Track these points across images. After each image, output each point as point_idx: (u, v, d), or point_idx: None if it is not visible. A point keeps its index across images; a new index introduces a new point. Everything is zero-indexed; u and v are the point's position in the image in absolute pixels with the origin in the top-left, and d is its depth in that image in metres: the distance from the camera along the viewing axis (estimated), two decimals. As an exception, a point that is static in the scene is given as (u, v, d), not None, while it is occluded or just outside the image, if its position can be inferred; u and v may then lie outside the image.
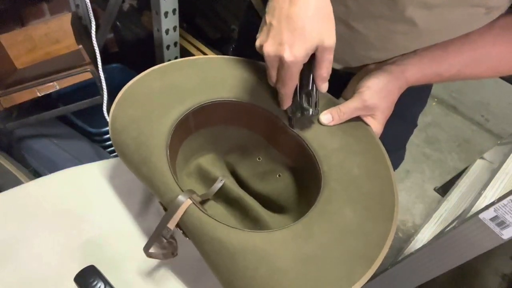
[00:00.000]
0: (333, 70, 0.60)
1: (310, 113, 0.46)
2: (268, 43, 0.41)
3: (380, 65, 0.50)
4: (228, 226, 0.39)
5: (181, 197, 0.41)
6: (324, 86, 0.44)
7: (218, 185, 0.51)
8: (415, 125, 0.68)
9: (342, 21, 0.51)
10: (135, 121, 0.48)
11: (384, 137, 0.54)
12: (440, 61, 0.49)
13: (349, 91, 0.51)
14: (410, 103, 0.53)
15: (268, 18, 0.42)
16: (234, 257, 0.38)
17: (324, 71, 0.43)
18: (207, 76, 0.53)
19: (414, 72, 0.48)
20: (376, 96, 0.47)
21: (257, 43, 0.43)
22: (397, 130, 0.64)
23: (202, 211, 0.40)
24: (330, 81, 0.60)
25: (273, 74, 0.44)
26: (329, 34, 0.40)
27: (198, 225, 0.40)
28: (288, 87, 0.44)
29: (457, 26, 0.47)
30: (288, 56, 0.40)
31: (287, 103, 0.46)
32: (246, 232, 0.39)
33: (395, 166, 0.72)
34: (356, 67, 0.56)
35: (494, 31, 0.47)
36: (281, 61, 0.41)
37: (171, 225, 0.41)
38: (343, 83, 0.56)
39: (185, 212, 0.41)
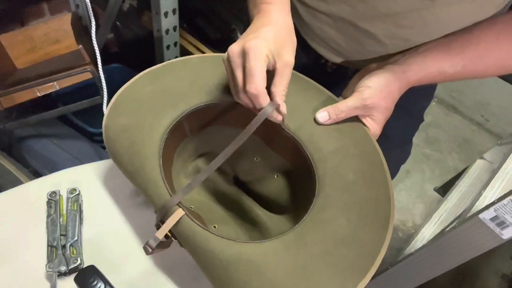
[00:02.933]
0: (334, 67, 0.60)
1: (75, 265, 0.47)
2: (233, 44, 0.41)
3: (381, 65, 0.50)
4: (221, 237, 0.39)
5: (173, 202, 0.40)
6: (283, 106, 0.43)
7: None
8: (422, 120, 0.67)
9: (348, 22, 0.50)
10: (127, 130, 0.47)
11: (391, 131, 0.53)
12: (443, 58, 0.48)
13: (349, 90, 0.51)
14: (417, 98, 0.52)
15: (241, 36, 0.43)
16: (226, 268, 0.38)
17: (284, 85, 0.42)
18: (200, 77, 0.52)
19: (416, 72, 0.48)
20: (376, 95, 0.46)
21: (224, 55, 0.43)
22: (405, 124, 0.64)
23: (195, 222, 0.40)
24: (330, 78, 0.60)
25: (238, 74, 0.41)
26: (289, 50, 0.42)
27: (191, 236, 0.40)
28: (257, 78, 0.40)
29: (462, 19, 0.47)
30: (249, 44, 0.39)
31: (262, 100, 0.41)
32: (238, 243, 0.39)
33: (403, 160, 0.72)
34: (361, 61, 0.56)
35: (497, 26, 0.47)
36: (244, 53, 0.40)
37: (160, 234, 0.40)
38: (345, 80, 0.56)
39: (178, 222, 0.40)
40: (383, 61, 0.52)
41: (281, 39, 0.42)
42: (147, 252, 0.40)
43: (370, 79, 0.47)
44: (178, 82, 0.51)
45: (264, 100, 0.41)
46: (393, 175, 0.63)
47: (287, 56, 0.42)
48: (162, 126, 0.47)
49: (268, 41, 0.41)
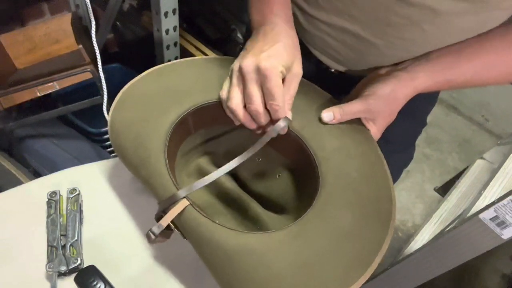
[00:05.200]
0: (336, 73, 0.60)
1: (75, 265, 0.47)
2: (247, 58, 0.43)
3: (390, 71, 0.50)
4: (225, 227, 0.39)
5: (178, 194, 0.41)
6: (289, 114, 0.45)
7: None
8: (425, 124, 0.67)
9: (349, 31, 0.50)
10: (133, 123, 0.48)
11: (394, 135, 0.53)
12: (452, 67, 0.48)
13: (356, 92, 0.51)
14: (420, 102, 0.52)
15: (248, 47, 0.46)
16: (231, 259, 0.38)
17: (290, 95, 0.45)
18: (204, 76, 0.53)
19: (424, 80, 0.48)
20: (380, 101, 0.47)
21: (235, 65, 0.45)
22: (407, 128, 0.64)
23: (200, 212, 0.40)
24: (332, 83, 0.60)
25: (253, 90, 0.43)
26: (298, 63, 0.45)
27: (195, 226, 0.40)
28: (278, 96, 0.42)
29: (465, 31, 0.47)
30: (265, 64, 0.42)
31: (281, 113, 0.44)
32: (243, 234, 0.39)
33: (405, 164, 0.72)
34: (362, 70, 0.56)
35: (510, 34, 0.47)
36: (260, 72, 0.42)
37: (165, 222, 0.40)
38: (348, 85, 0.56)
39: (182, 213, 0.41)
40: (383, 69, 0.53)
41: (291, 53, 0.44)
42: (149, 240, 0.41)
43: (377, 85, 0.48)
44: (184, 80, 0.52)
45: (283, 113, 0.44)
46: (395, 178, 0.63)
47: (296, 68, 0.45)
48: (168, 121, 0.47)
49: (281, 57, 0.43)
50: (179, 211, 0.40)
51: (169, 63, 0.55)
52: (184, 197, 0.41)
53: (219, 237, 0.39)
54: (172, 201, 0.41)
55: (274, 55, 0.43)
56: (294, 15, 0.56)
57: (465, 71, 0.48)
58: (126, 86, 0.51)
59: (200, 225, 0.40)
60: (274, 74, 0.42)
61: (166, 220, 0.40)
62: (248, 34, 0.73)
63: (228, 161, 0.57)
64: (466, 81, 0.49)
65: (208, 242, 0.39)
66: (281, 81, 0.43)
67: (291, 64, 0.44)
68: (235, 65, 0.45)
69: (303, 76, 0.61)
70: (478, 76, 0.48)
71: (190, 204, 0.41)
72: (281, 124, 0.44)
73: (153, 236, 0.40)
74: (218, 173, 0.42)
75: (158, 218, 0.42)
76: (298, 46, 0.47)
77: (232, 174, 0.57)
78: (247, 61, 0.43)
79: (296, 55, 0.45)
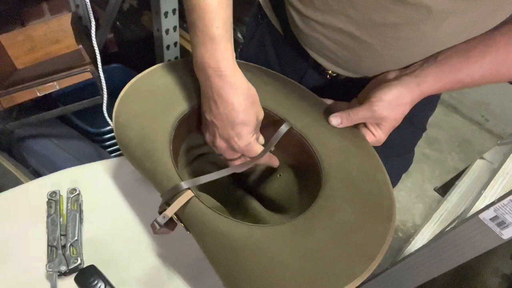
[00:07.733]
0: (334, 75, 0.60)
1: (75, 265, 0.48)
2: (218, 141, 0.48)
3: (398, 75, 0.50)
4: (230, 219, 0.40)
5: (183, 185, 0.41)
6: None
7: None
8: (424, 129, 0.67)
9: (345, 32, 0.50)
10: (138, 116, 0.48)
11: (392, 141, 0.53)
12: (461, 68, 0.48)
13: (364, 94, 0.52)
14: (420, 108, 0.53)
15: (208, 116, 0.48)
16: (235, 249, 0.38)
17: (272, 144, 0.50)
18: None
19: (432, 83, 0.48)
20: (385, 107, 0.48)
21: (208, 140, 0.50)
22: (406, 134, 0.64)
23: (204, 204, 0.41)
24: (330, 85, 0.60)
25: (234, 158, 0.49)
26: (260, 111, 0.48)
27: (199, 216, 0.40)
28: (256, 156, 0.49)
29: (462, 31, 0.47)
30: (239, 146, 0.47)
31: (275, 162, 0.53)
32: (247, 226, 0.39)
33: (404, 170, 0.72)
34: (360, 72, 0.56)
35: None
36: (235, 150, 0.47)
37: (170, 212, 0.41)
38: (342, 88, 0.56)
39: (186, 204, 0.41)
40: (379, 71, 0.53)
41: (252, 109, 0.46)
42: (154, 230, 0.41)
43: (383, 90, 0.48)
44: (190, 77, 0.52)
45: (274, 161, 0.53)
46: (394, 183, 0.63)
47: (261, 117, 0.48)
48: (173, 115, 0.48)
49: (249, 126, 0.46)
50: (184, 201, 0.41)
51: (175, 60, 0.55)
52: (189, 189, 0.41)
53: (223, 228, 0.39)
54: (176, 191, 0.41)
55: (242, 131, 0.46)
56: (290, 16, 0.56)
57: (473, 72, 0.48)
58: (133, 80, 0.52)
59: (205, 216, 0.40)
60: (252, 150, 0.47)
61: (172, 210, 0.41)
62: (248, 34, 0.73)
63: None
64: (475, 81, 0.48)
65: (212, 232, 0.39)
66: (260, 147, 0.48)
67: (257, 119, 0.47)
68: (208, 142, 0.50)
69: (302, 78, 0.61)
70: (487, 75, 0.48)
71: (195, 195, 0.41)
72: (283, 129, 0.49)
73: (157, 227, 0.41)
74: (223, 173, 0.44)
75: (162, 209, 0.42)
76: (251, 88, 0.46)
77: (233, 173, 0.57)
78: (220, 144, 0.47)
79: (255, 104, 0.47)
